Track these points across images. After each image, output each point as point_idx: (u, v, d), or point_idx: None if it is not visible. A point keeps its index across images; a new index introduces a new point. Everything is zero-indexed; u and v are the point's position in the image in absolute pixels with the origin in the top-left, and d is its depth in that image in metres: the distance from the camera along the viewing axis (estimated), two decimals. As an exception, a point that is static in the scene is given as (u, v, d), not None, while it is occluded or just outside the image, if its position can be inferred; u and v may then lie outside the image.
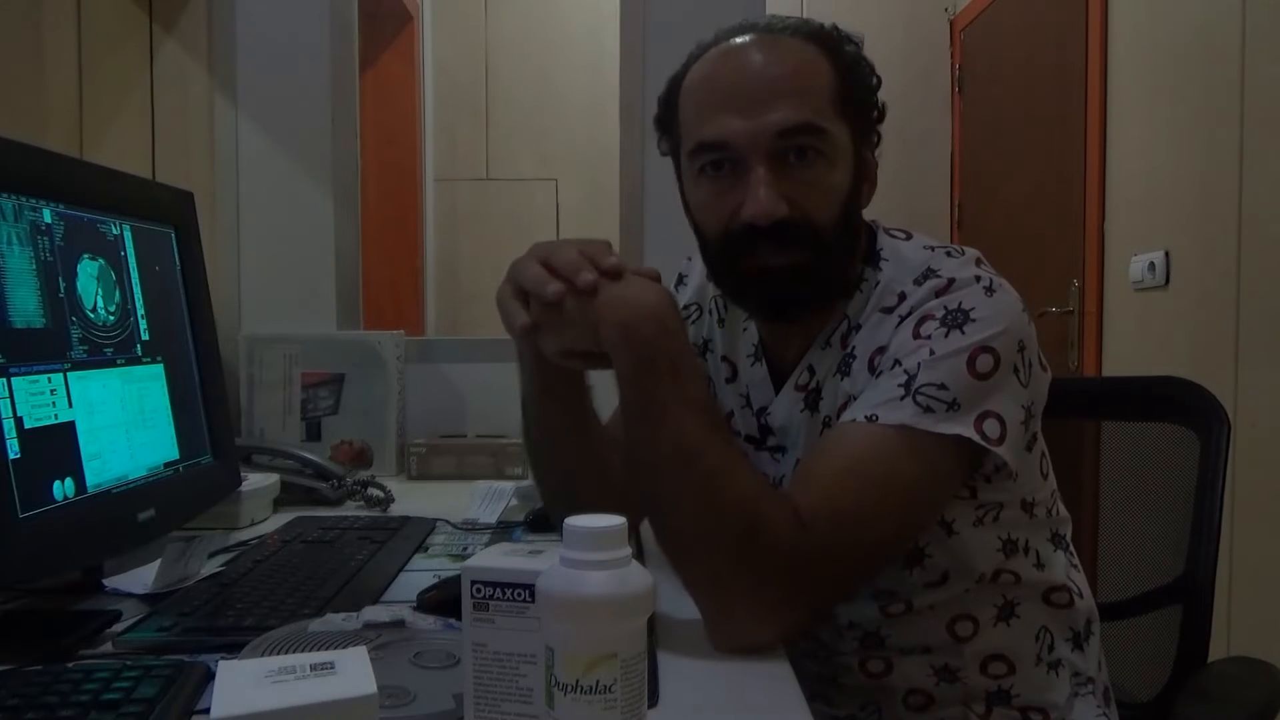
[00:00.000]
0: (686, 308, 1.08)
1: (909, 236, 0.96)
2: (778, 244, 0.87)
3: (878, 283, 0.92)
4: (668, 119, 0.96)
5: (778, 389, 0.98)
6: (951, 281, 0.87)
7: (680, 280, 1.11)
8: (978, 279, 0.87)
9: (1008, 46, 3.31)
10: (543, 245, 0.86)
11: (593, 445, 1.00)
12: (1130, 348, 2.61)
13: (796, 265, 0.88)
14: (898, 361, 0.85)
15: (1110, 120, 2.71)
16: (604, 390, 0.92)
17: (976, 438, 0.81)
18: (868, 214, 0.97)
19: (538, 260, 0.84)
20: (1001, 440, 0.82)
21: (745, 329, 1.03)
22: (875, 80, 0.94)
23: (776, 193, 0.86)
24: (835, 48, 0.91)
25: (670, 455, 0.79)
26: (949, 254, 0.91)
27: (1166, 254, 2.38)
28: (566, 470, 1.02)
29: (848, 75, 0.91)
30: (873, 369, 0.88)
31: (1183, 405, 1.19)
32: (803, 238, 0.87)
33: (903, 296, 0.89)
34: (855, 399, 0.87)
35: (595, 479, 1.01)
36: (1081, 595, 0.99)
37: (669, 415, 0.79)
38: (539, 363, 0.91)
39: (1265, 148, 2.03)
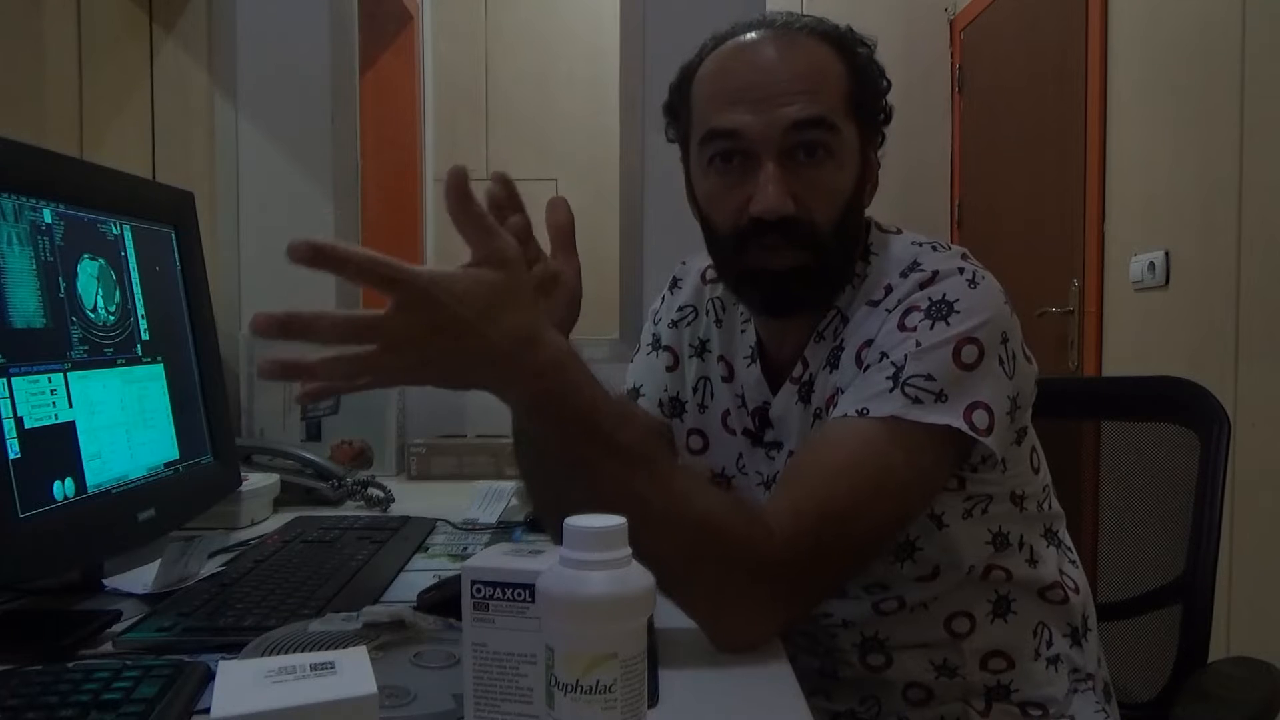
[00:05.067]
0: (682, 309, 1.09)
1: (899, 232, 0.97)
2: (781, 240, 0.88)
3: (866, 276, 0.93)
4: (677, 106, 0.96)
5: (775, 387, 0.98)
6: (936, 273, 0.88)
7: (674, 283, 1.12)
8: (961, 270, 0.88)
9: (1008, 46, 3.31)
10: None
11: None
12: (1130, 348, 2.61)
13: (797, 268, 0.89)
14: (885, 354, 0.85)
15: (1110, 120, 2.70)
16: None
17: (965, 428, 0.82)
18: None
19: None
20: (990, 431, 0.83)
21: (743, 330, 1.03)
22: (885, 83, 0.95)
23: (785, 189, 0.87)
24: (849, 49, 0.92)
25: (615, 505, 0.75)
26: (935, 249, 0.92)
27: (1166, 254, 2.38)
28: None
29: (860, 77, 0.92)
30: (859, 362, 0.89)
31: (1183, 405, 1.19)
32: (804, 237, 0.88)
33: (889, 289, 0.90)
34: (843, 392, 0.88)
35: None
36: (1078, 590, 0.99)
37: (600, 474, 0.73)
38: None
39: (1265, 148, 2.02)
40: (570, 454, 0.73)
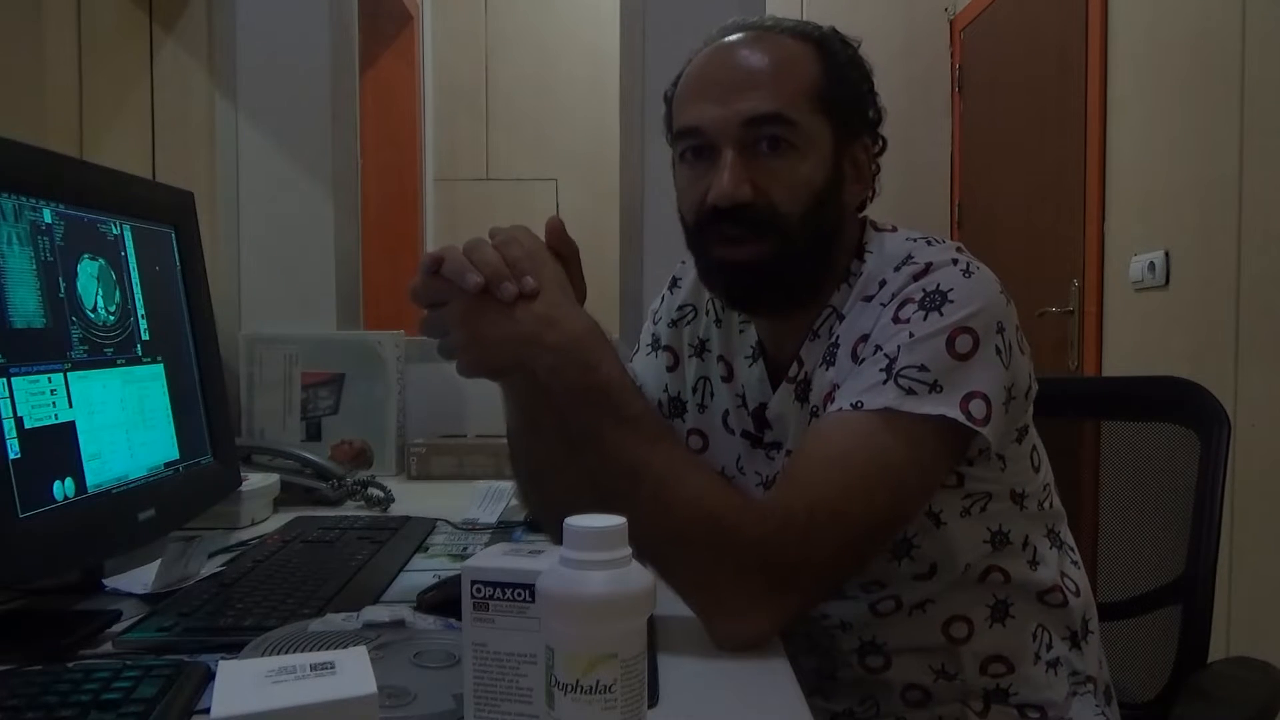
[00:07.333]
0: (681, 309, 1.09)
1: (894, 230, 0.97)
2: (742, 229, 0.89)
3: (861, 274, 0.93)
4: (669, 111, 0.98)
5: (776, 386, 0.98)
6: (929, 265, 0.88)
7: (674, 283, 1.12)
8: (955, 262, 0.88)
9: (1008, 46, 3.31)
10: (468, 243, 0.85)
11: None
12: (1130, 348, 2.61)
13: (759, 258, 0.89)
14: (878, 347, 0.85)
15: (1110, 120, 2.70)
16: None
17: (962, 418, 0.81)
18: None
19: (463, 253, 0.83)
20: (987, 420, 0.83)
21: (743, 330, 1.03)
22: (868, 84, 0.95)
23: (741, 177, 0.88)
24: (826, 46, 0.93)
25: (616, 476, 0.80)
26: (930, 243, 0.93)
27: (1166, 254, 2.38)
28: (565, 498, 0.95)
29: (835, 74, 0.92)
30: (855, 357, 0.89)
31: (1183, 405, 1.19)
32: (764, 224, 0.89)
33: (883, 284, 0.90)
34: (839, 388, 0.88)
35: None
36: (1078, 593, 0.99)
37: (606, 439, 0.80)
38: (524, 398, 0.91)
39: (1265, 148, 2.02)
40: (580, 424, 0.81)
